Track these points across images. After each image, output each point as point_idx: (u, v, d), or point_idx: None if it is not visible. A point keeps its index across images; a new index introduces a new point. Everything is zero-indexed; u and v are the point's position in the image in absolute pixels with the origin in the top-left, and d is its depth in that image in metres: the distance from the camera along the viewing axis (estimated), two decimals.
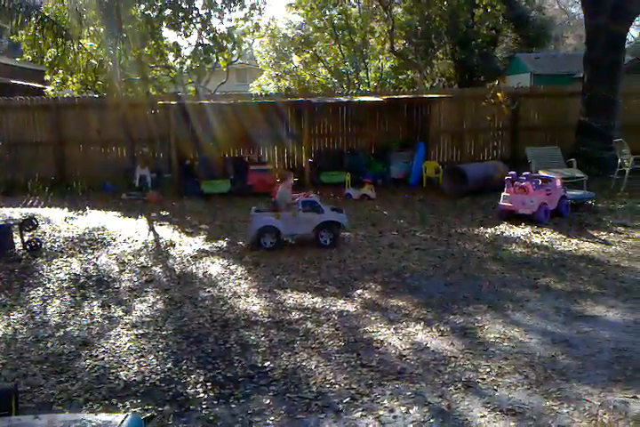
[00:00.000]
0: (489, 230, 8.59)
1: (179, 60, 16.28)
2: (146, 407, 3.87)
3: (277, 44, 23.66)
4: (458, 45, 22.10)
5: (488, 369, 4.27)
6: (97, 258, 7.52)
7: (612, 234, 8.20)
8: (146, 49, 15.17)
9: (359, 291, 6.13)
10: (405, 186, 12.57)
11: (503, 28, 22.60)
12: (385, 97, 13.08)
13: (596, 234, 8.24)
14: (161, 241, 8.34)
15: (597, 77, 12.98)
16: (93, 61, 14.96)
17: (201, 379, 4.23)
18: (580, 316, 5.27)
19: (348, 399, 3.89)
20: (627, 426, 3.48)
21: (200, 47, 15.73)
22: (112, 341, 4.96)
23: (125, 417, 2.46)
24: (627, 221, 8.83)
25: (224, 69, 17.05)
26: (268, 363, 4.47)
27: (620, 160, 11.32)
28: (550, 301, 5.68)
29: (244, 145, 13.70)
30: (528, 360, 4.39)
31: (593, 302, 5.60)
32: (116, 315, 5.59)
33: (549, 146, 12.28)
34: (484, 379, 4.12)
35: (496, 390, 3.97)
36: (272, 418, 3.69)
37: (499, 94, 13.08)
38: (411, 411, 3.73)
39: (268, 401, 3.90)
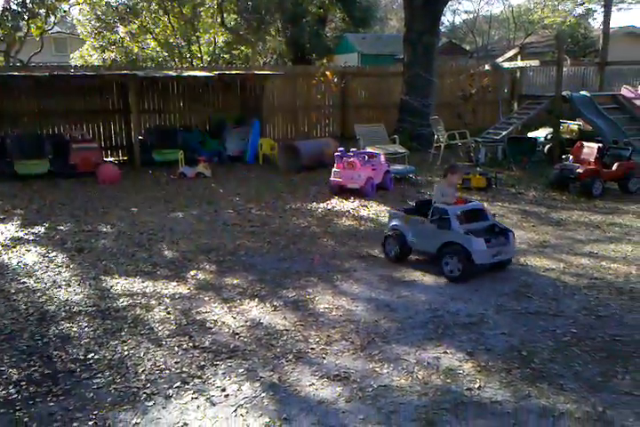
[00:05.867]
0: (321, 205, 8.87)
1: None
2: None
3: (100, 13, 21.92)
4: (288, 22, 22.31)
5: (317, 339, 4.42)
6: None
7: None
8: None
9: (193, 272, 6.00)
10: (242, 163, 12.55)
11: (331, 7, 23.20)
12: (217, 72, 12.81)
13: None
14: None
15: (415, 58, 13.91)
16: None
17: (14, 379, 3.86)
18: (401, 282, 5.67)
19: (178, 384, 3.80)
20: (438, 379, 3.82)
21: (7, 13, 14.07)
22: None
23: None
24: None
25: (37, 38, 15.44)
26: (92, 355, 4.20)
27: (435, 136, 12.29)
28: (375, 269, 6.03)
29: (64, 121, 12.67)
30: (354, 327, 4.63)
31: (412, 268, 6.04)
32: None
33: (375, 123, 12.95)
34: (313, 349, 4.27)
35: (324, 358, 4.13)
36: (95, 412, 3.48)
37: (327, 73, 13.48)
38: (243, 388, 3.75)
39: (91, 395, 3.67)
